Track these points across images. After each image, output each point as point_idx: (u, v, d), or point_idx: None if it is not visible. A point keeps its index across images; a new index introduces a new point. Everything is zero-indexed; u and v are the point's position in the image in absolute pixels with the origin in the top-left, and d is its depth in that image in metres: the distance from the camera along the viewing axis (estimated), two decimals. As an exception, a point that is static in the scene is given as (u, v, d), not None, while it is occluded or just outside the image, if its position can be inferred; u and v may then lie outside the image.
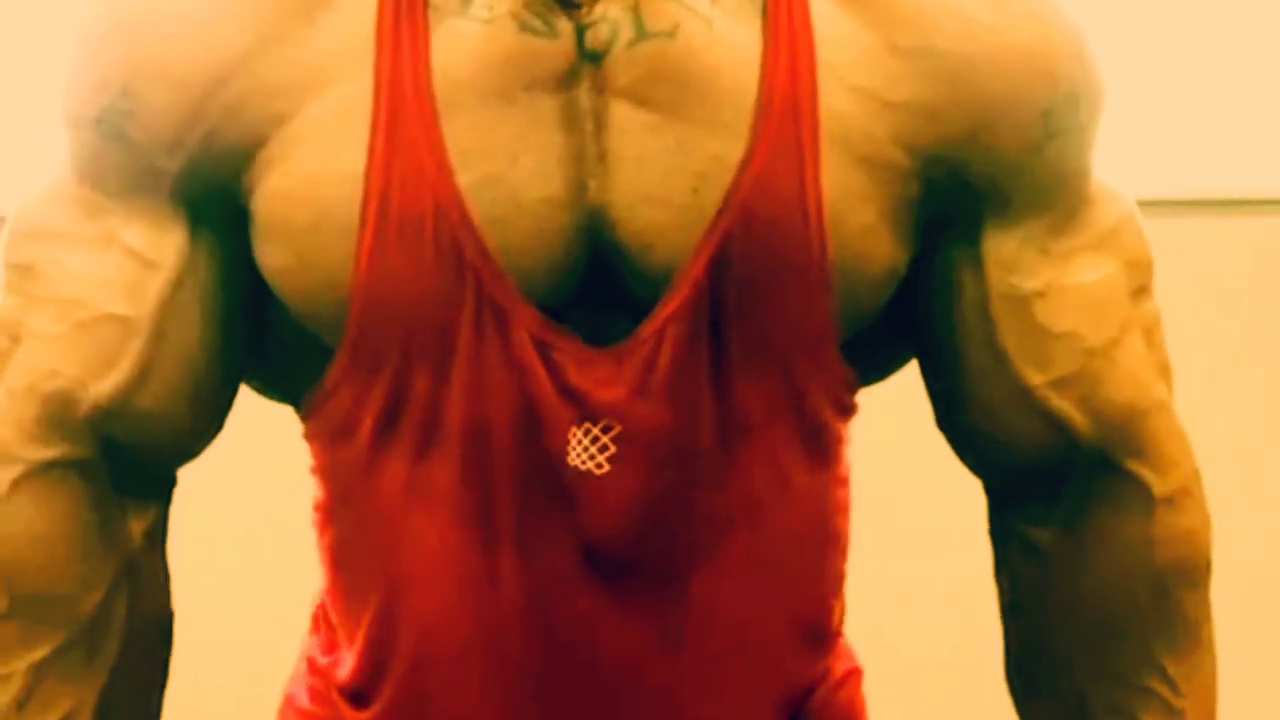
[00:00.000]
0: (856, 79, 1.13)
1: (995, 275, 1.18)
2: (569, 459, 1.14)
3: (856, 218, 1.13)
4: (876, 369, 1.25)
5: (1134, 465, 1.21)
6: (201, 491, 2.99)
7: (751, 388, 1.15)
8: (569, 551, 1.15)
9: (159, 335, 1.16)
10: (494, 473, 1.14)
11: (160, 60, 1.13)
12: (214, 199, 1.16)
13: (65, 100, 1.17)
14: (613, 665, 1.17)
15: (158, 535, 1.22)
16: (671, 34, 1.11)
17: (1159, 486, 1.22)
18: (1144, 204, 3.19)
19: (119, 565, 1.18)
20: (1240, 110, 3.08)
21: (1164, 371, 1.25)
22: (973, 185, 1.16)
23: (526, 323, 1.12)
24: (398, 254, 1.11)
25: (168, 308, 1.16)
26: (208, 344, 1.18)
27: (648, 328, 1.12)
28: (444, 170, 1.10)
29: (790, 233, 1.11)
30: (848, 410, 1.21)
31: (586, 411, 1.13)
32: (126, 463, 1.18)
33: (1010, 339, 1.18)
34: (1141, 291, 1.21)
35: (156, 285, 1.16)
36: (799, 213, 1.11)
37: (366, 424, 1.16)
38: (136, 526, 1.20)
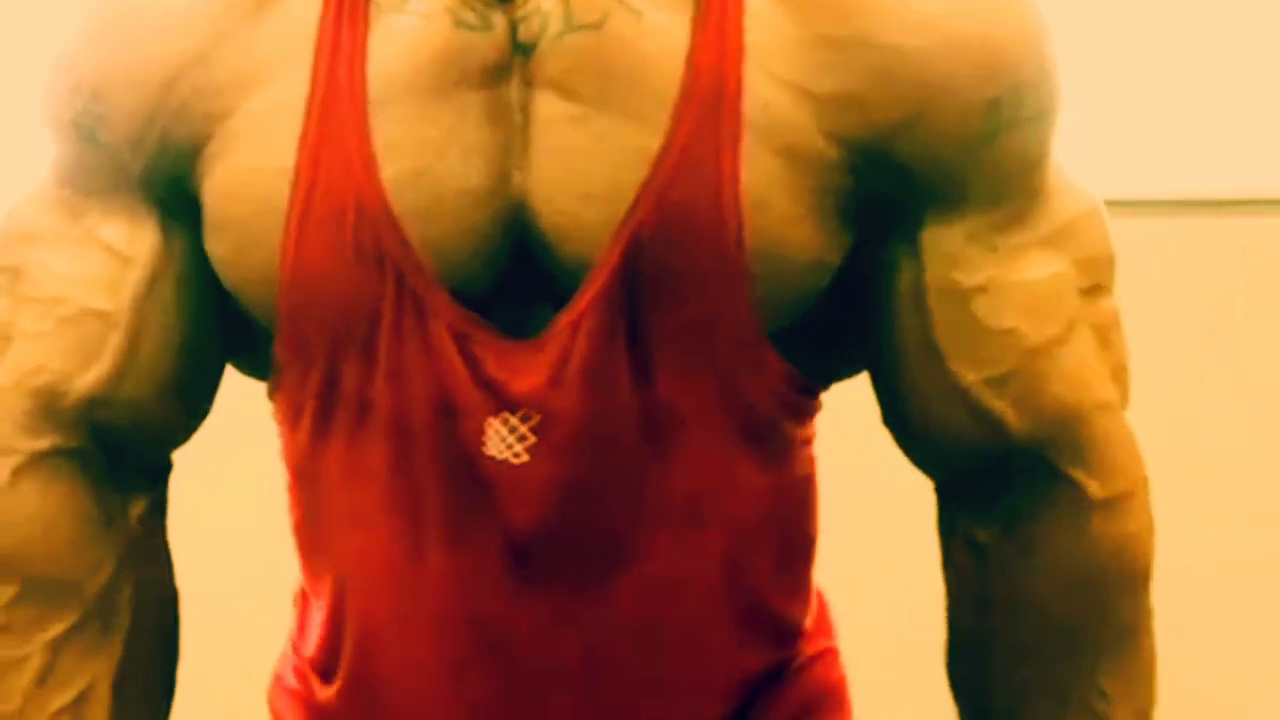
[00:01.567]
0: (784, 69, 1.11)
1: (934, 269, 1.15)
2: (486, 449, 1.15)
3: (777, 207, 1.11)
4: (842, 365, 1.25)
5: (1071, 468, 1.18)
6: (201, 480, 2.98)
7: (677, 380, 1.14)
8: (495, 542, 1.16)
9: (138, 328, 1.20)
10: (419, 462, 1.17)
11: (125, 64, 1.18)
12: (175, 194, 1.20)
13: (44, 105, 1.26)
14: (541, 659, 1.18)
15: (157, 518, 1.26)
16: (599, 25, 1.11)
17: (1097, 490, 1.19)
18: (1143, 204, 3.18)
19: (122, 547, 1.23)
20: (1238, 110, 3.08)
21: (1117, 373, 1.21)
22: (912, 177, 1.14)
23: (445, 314, 1.14)
24: (321, 247, 1.14)
25: (144, 301, 1.21)
26: (186, 334, 1.22)
27: (565, 318, 1.12)
28: (368, 164, 1.13)
29: (706, 223, 1.10)
30: (797, 408, 1.19)
31: (504, 401, 1.14)
32: (118, 450, 1.23)
33: (945, 335, 1.16)
34: (1097, 290, 1.19)
35: (133, 280, 1.20)
36: (715, 202, 1.10)
37: (308, 409, 1.19)
38: (134, 510, 1.24)
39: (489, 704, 1.19)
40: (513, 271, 1.14)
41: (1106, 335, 1.20)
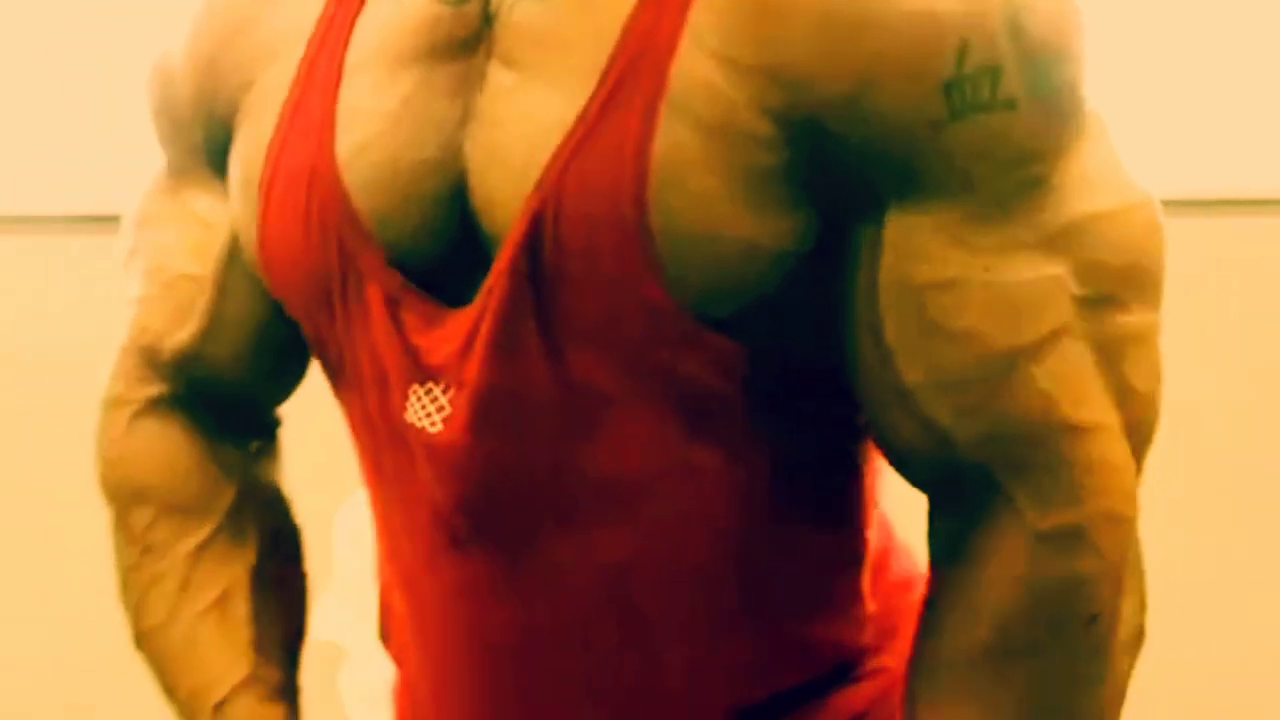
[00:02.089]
0: (720, 42, 1.05)
1: (890, 261, 1.07)
2: (407, 416, 1.16)
3: (692, 184, 1.05)
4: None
5: (1016, 490, 1.08)
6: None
7: (592, 357, 1.10)
8: (427, 511, 1.18)
9: (223, 289, 1.29)
10: (374, 425, 1.20)
11: (186, 49, 1.29)
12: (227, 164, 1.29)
13: (147, 103, 1.34)
14: (482, 630, 1.18)
15: (270, 464, 1.36)
16: None
17: (1034, 519, 1.08)
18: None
19: (240, 482, 1.34)
20: (1238, 110, 3.08)
21: (1124, 396, 1.09)
22: (862, 159, 1.06)
23: (382, 282, 1.15)
24: (284, 212, 1.18)
25: (227, 264, 1.30)
26: (265, 295, 1.30)
27: (482, 289, 1.12)
28: (326, 135, 1.16)
29: (608, 197, 1.06)
30: (773, 397, 1.13)
31: (422, 370, 1.15)
32: (220, 403, 1.33)
33: (894, 331, 1.08)
34: (1108, 301, 1.08)
35: (217, 245, 1.30)
36: (618, 177, 1.06)
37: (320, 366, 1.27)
38: (247, 455, 1.35)
39: (453, 666, 1.20)
40: (461, 242, 1.14)
41: (1113, 353, 1.09)
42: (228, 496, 1.32)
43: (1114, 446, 1.09)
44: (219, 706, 1.27)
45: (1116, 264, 1.09)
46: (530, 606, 1.16)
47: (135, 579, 1.33)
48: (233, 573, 1.31)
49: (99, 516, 2.99)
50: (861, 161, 1.06)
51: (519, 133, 1.09)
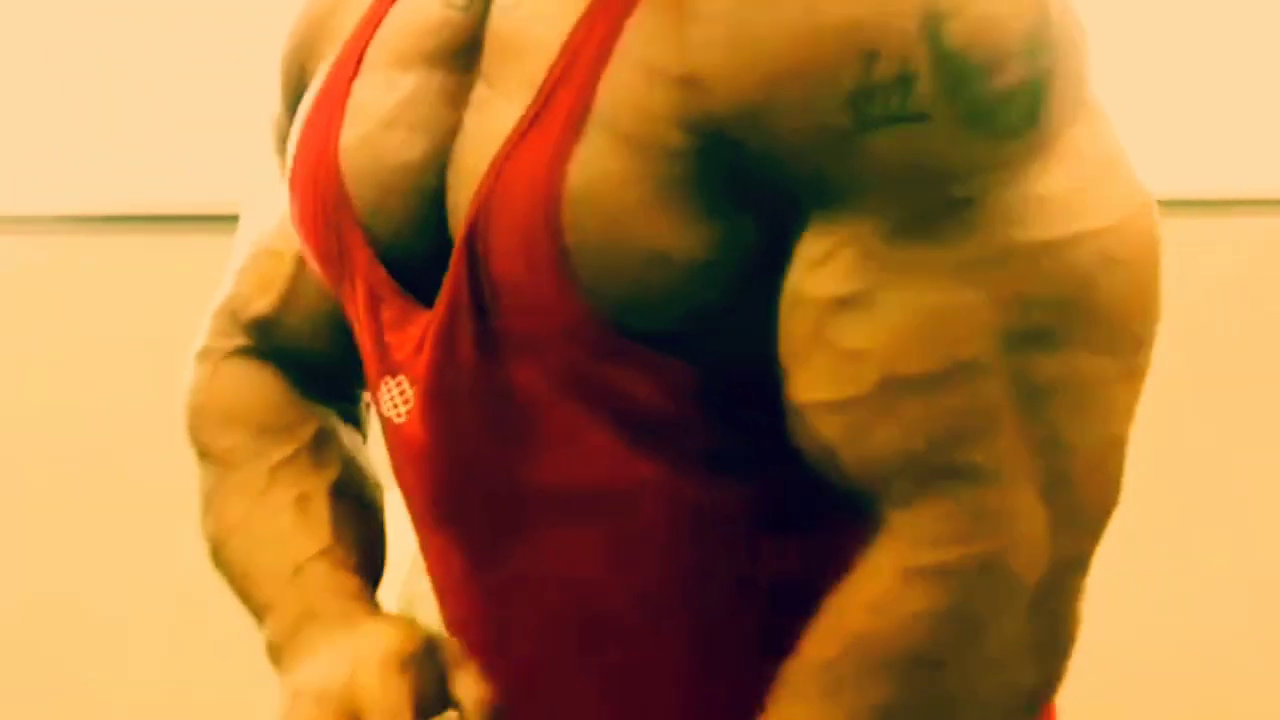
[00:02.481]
0: (647, 52, 1.03)
1: (795, 270, 1.02)
2: (382, 407, 1.18)
3: (609, 198, 1.03)
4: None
5: (895, 520, 1.03)
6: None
7: (525, 362, 1.09)
8: (415, 499, 1.20)
9: (302, 264, 1.32)
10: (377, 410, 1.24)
11: (290, 30, 1.33)
12: None
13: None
14: (460, 614, 1.20)
15: (352, 430, 1.36)
16: (517, 5, 1.11)
17: (910, 555, 1.02)
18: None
19: (324, 422, 1.33)
20: (1239, 110, 3.08)
21: (1040, 444, 1.01)
22: (777, 170, 1.01)
23: (366, 276, 1.17)
24: (301, 200, 1.21)
25: None
26: None
27: (443, 297, 1.13)
28: (335, 125, 1.19)
29: (527, 210, 1.05)
30: (724, 418, 1.09)
31: (389, 364, 1.17)
32: (300, 367, 1.34)
33: (787, 344, 1.03)
34: (1038, 339, 1.00)
35: None
36: (538, 190, 1.05)
37: None
38: (329, 411, 1.35)
39: (458, 645, 1.21)
40: (443, 245, 1.15)
41: (1039, 396, 1.01)
42: (311, 426, 1.32)
43: (1015, 496, 1.01)
44: (296, 571, 1.24)
45: (1052, 298, 1.00)
46: (503, 605, 1.16)
47: (216, 494, 1.32)
48: (313, 482, 1.29)
49: (99, 516, 2.99)
50: (777, 172, 1.01)
51: (476, 142, 1.10)
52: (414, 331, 1.14)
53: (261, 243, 1.35)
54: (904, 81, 0.98)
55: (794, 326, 1.03)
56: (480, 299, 1.09)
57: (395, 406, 1.17)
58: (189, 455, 2.98)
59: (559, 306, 1.06)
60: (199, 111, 2.91)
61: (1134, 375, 1.04)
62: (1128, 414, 1.05)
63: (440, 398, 1.13)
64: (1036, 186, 1.00)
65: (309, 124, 1.22)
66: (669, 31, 1.03)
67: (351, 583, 1.23)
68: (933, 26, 0.98)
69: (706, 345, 1.07)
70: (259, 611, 1.25)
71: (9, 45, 2.94)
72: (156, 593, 3.00)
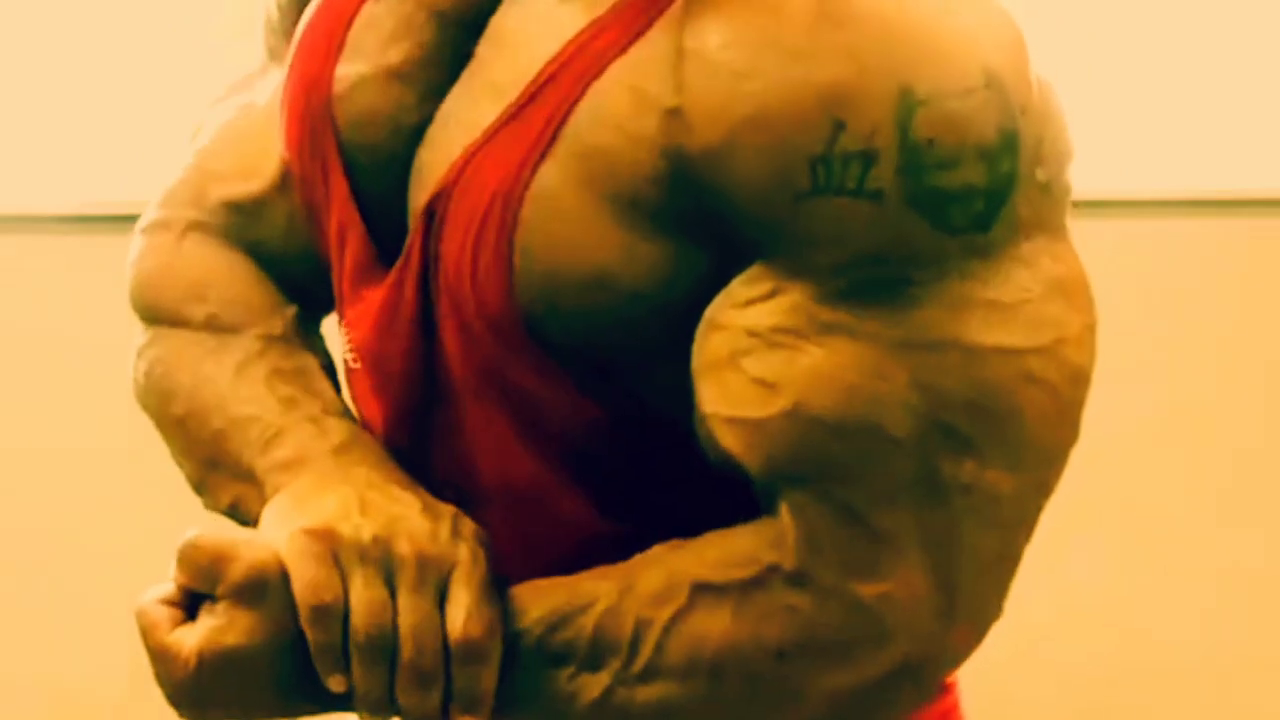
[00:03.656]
0: (641, 81, 1.04)
1: (723, 302, 1.04)
2: (344, 350, 1.18)
3: (571, 208, 1.04)
4: None
5: (784, 512, 1.04)
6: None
7: (459, 347, 1.10)
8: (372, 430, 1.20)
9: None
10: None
11: None
12: None
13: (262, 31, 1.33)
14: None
15: (314, 331, 1.29)
16: (528, 2, 1.11)
17: (776, 548, 1.04)
18: (1144, 204, 3.18)
19: (300, 309, 1.26)
20: (1239, 109, 3.09)
21: (934, 543, 1.03)
22: (733, 213, 1.02)
23: (339, 212, 1.17)
24: (289, 119, 1.20)
25: None
26: None
27: (397, 263, 1.13)
28: (333, 50, 1.17)
29: (491, 200, 1.06)
30: (627, 443, 1.10)
31: (343, 315, 1.18)
32: (269, 267, 1.27)
33: (700, 360, 1.05)
34: (952, 439, 1.01)
35: None
36: (507, 184, 1.06)
37: None
38: (294, 311, 1.27)
39: None
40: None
41: (942, 493, 1.02)
42: (290, 310, 1.25)
43: (906, 563, 1.03)
44: (313, 419, 1.17)
45: (970, 403, 1.02)
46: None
47: (188, 352, 1.25)
48: (307, 359, 1.23)
49: (99, 516, 2.99)
50: (731, 215, 1.02)
51: (455, 119, 1.11)
52: (369, 294, 1.15)
53: (239, 126, 1.29)
54: (866, 157, 0.99)
55: (711, 346, 1.04)
56: (427, 275, 1.10)
57: (350, 353, 1.17)
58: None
59: (494, 301, 1.06)
60: (200, 112, 2.91)
61: (1038, 493, 1.06)
62: (1025, 529, 1.06)
63: (374, 360, 1.15)
64: (979, 289, 1.01)
65: (310, 32, 1.20)
66: (666, 66, 1.03)
67: (374, 441, 1.18)
68: (905, 110, 0.98)
69: (618, 372, 1.08)
70: (253, 443, 1.18)
71: (9, 45, 2.94)
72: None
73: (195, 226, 1.28)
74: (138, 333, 1.29)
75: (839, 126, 0.99)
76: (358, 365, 1.17)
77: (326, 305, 1.28)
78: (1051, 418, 1.04)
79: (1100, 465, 3.09)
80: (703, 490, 1.10)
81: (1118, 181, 3.03)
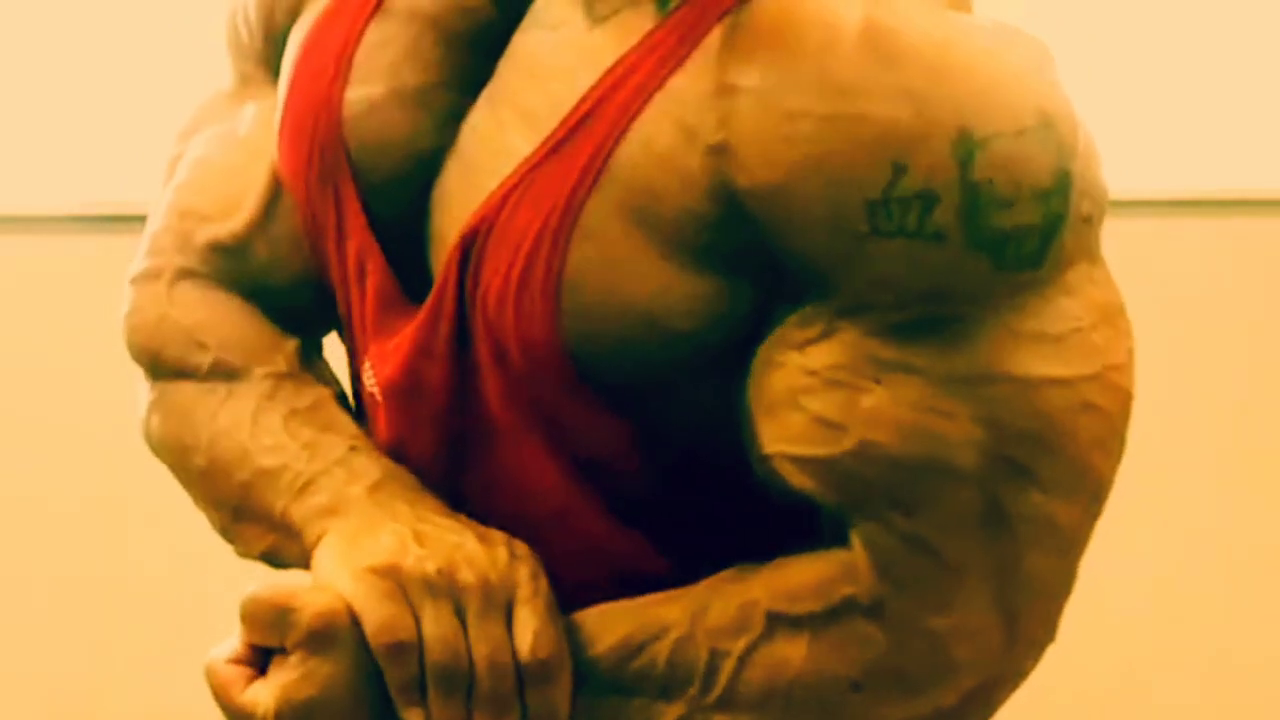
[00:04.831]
0: (685, 114, 1.03)
1: (778, 340, 1.04)
2: (364, 377, 1.17)
3: (610, 242, 1.04)
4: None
5: (855, 540, 1.05)
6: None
7: (498, 382, 1.09)
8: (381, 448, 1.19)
9: (276, 192, 1.23)
10: (354, 369, 1.23)
11: None
12: None
13: (226, 36, 1.30)
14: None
15: (318, 361, 1.27)
16: (554, 26, 1.10)
17: (850, 573, 1.06)
18: (1143, 204, 3.18)
19: (302, 342, 1.25)
20: (1239, 109, 3.08)
21: (1000, 569, 1.04)
22: (787, 253, 1.02)
23: (358, 241, 1.16)
24: (291, 147, 1.18)
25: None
26: None
27: (430, 297, 1.12)
28: (340, 74, 1.16)
29: (536, 237, 1.05)
30: (647, 474, 1.09)
31: (365, 347, 1.17)
32: (262, 301, 1.26)
33: (759, 398, 1.06)
34: (1015, 470, 1.03)
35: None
36: (547, 221, 1.05)
37: None
38: (294, 344, 1.26)
39: None
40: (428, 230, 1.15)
41: (1006, 524, 1.04)
42: (293, 344, 1.24)
43: (974, 596, 1.04)
44: (339, 461, 1.16)
45: (1029, 434, 1.03)
46: None
47: (201, 404, 1.23)
48: (318, 392, 1.22)
49: (99, 516, 2.99)
50: (784, 254, 1.02)
51: (482, 150, 1.10)
52: (398, 326, 1.13)
53: (217, 162, 1.27)
54: (926, 200, 0.99)
55: (770, 384, 1.04)
56: (464, 310, 1.09)
57: (372, 380, 1.16)
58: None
59: (539, 337, 1.06)
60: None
61: (1092, 516, 1.07)
62: (1080, 553, 1.08)
63: (405, 395, 1.13)
64: (1029, 322, 1.03)
65: (311, 54, 1.18)
66: (708, 99, 1.03)
67: (405, 472, 1.17)
68: (964, 152, 0.99)
69: (658, 403, 1.08)
70: (284, 492, 1.17)
71: (9, 45, 2.94)
72: (154, 587, 3.00)
73: (184, 274, 1.26)
74: (143, 386, 1.28)
75: (899, 168, 0.99)
76: (382, 397, 1.16)
77: (324, 328, 1.27)
78: (1105, 442, 1.06)
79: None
80: (749, 526, 1.11)
81: (1118, 181, 3.03)
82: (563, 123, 1.06)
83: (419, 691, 1.05)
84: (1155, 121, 3.06)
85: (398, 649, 1.05)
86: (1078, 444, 1.04)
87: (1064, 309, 1.04)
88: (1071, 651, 3.12)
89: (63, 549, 3.00)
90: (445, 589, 1.06)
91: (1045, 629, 1.07)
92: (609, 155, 1.04)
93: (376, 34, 1.15)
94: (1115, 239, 3.02)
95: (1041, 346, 1.03)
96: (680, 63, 1.04)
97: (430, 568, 1.06)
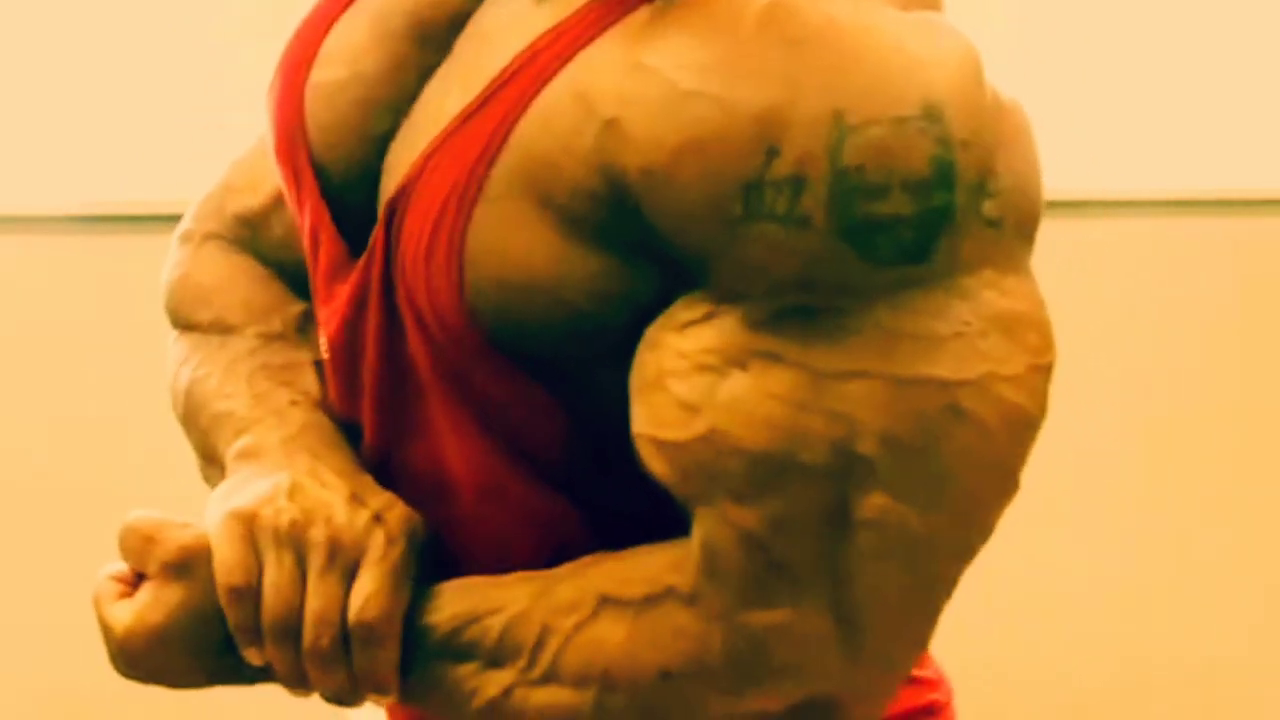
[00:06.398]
0: (589, 83, 1.02)
1: (662, 322, 1.03)
2: (321, 341, 1.20)
3: (511, 215, 1.04)
4: None
5: (696, 531, 1.04)
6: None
7: (420, 343, 1.10)
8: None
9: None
10: None
11: None
12: None
13: None
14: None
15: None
16: (508, 2, 1.12)
17: (680, 572, 1.05)
18: (1143, 204, 3.19)
19: (305, 309, 1.30)
20: (1237, 109, 3.08)
21: (832, 577, 1.00)
22: (670, 235, 1.01)
23: (312, 215, 1.18)
24: (272, 126, 1.22)
25: None
26: None
27: (361, 259, 1.14)
28: (307, 58, 1.20)
29: (445, 200, 1.06)
30: (576, 447, 1.10)
31: (319, 313, 1.20)
32: (279, 271, 1.33)
33: (635, 377, 1.05)
34: (862, 471, 0.99)
35: None
36: (461, 184, 1.06)
37: None
38: (307, 307, 1.31)
39: None
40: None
41: (852, 530, 1.00)
42: (296, 308, 1.29)
43: (808, 600, 1.01)
44: (279, 411, 1.20)
45: (890, 436, 0.99)
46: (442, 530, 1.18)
47: (194, 354, 1.29)
48: (304, 355, 1.26)
49: (99, 516, 2.99)
50: (667, 237, 1.01)
51: (423, 119, 1.12)
52: (339, 290, 1.16)
53: (263, 140, 1.35)
54: (796, 184, 0.97)
55: (645, 364, 1.03)
56: (389, 273, 1.11)
57: (324, 349, 1.19)
58: (191, 456, 2.98)
59: (447, 301, 1.07)
60: (200, 111, 2.91)
61: (957, 538, 1.02)
62: (942, 576, 1.02)
63: (344, 355, 1.16)
64: (906, 321, 0.99)
65: (291, 46, 1.23)
66: (615, 74, 1.02)
67: (335, 434, 1.20)
68: (837, 137, 0.97)
69: (577, 378, 1.08)
70: (226, 436, 1.21)
71: (9, 45, 2.94)
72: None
73: (211, 237, 1.34)
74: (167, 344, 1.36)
75: (772, 152, 0.97)
76: (328, 356, 1.18)
77: None
78: (978, 457, 1.00)
79: (1097, 466, 3.08)
80: (668, 507, 1.10)
81: (1115, 181, 3.03)
82: (484, 89, 1.07)
83: (257, 635, 1.10)
84: (1155, 121, 3.06)
85: (236, 591, 1.09)
86: (942, 453, 0.99)
87: (950, 310, 0.99)
88: (1067, 654, 3.12)
89: (62, 547, 3.00)
90: (292, 541, 1.09)
91: (900, 648, 1.03)
92: (514, 124, 1.04)
93: (347, 22, 1.19)
94: (1115, 239, 3.02)
95: (916, 346, 0.99)
96: (598, 35, 1.04)
97: (284, 520, 1.10)
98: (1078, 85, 3.04)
